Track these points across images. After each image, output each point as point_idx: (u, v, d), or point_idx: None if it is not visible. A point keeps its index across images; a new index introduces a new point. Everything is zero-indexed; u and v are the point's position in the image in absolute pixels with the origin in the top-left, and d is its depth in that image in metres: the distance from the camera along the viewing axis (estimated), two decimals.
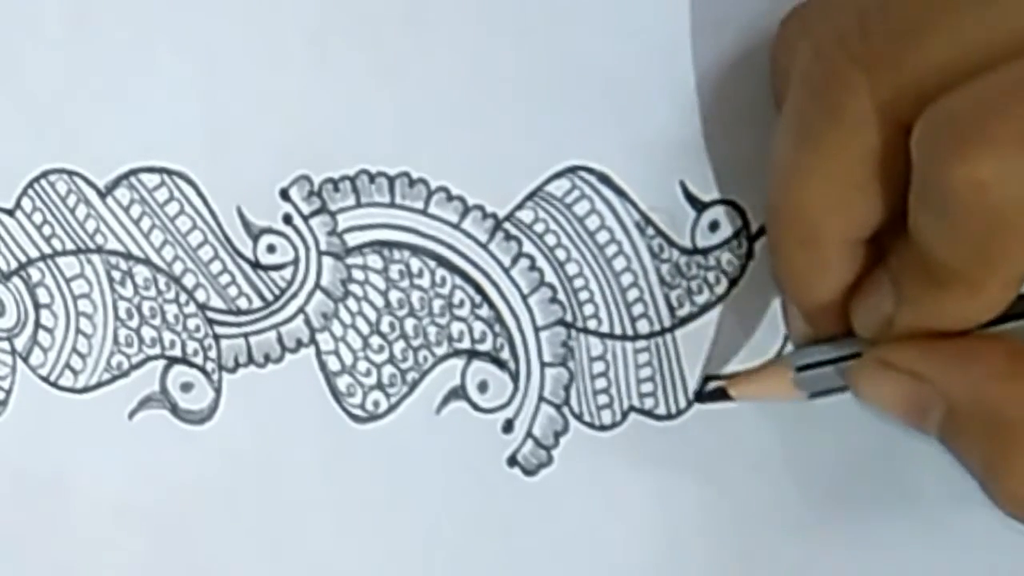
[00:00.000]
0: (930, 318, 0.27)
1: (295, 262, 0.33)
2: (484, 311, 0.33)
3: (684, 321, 0.32)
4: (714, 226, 0.32)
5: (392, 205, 0.32)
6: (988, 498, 0.27)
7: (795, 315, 0.31)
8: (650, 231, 0.32)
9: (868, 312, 0.28)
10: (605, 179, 0.32)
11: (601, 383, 0.33)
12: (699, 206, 0.32)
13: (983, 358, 0.27)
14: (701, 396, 0.32)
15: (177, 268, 0.33)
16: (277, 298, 0.33)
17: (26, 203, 0.33)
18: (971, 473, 0.28)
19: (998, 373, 0.27)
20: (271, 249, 0.33)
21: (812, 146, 0.27)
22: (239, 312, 0.33)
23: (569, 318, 0.33)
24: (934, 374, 0.27)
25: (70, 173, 0.33)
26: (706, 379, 0.32)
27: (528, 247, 0.32)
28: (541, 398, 0.33)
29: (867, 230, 0.28)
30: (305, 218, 0.32)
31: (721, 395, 0.32)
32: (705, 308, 0.32)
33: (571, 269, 0.32)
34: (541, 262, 0.32)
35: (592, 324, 0.33)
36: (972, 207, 0.24)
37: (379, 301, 0.33)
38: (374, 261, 0.33)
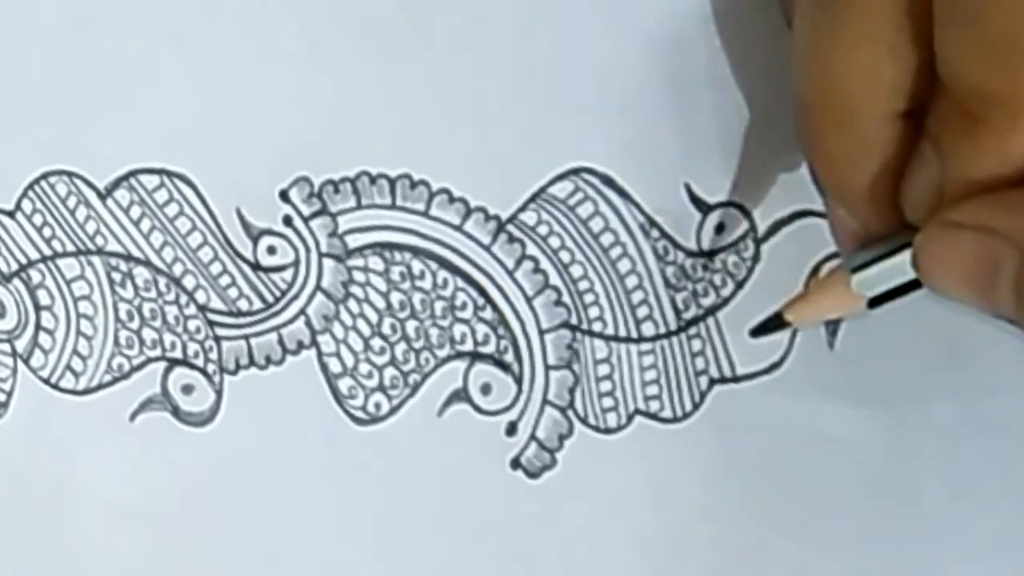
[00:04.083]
0: (977, 166, 0.25)
1: (295, 264, 0.32)
2: (487, 313, 0.32)
3: (690, 324, 0.32)
4: (720, 228, 0.32)
5: (393, 207, 0.32)
6: None
7: (842, 219, 0.29)
8: (655, 233, 0.32)
9: (916, 188, 0.27)
10: (609, 181, 0.32)
11: (606, 386, 0.33)
12: (704, 208, 0.32)
13: None
14: (757, 330, 0.31)
15: (177, 269, 0.33)
16: (278, 300, 0.33)
17: (26, 205, 0.33)
18: None
19: None
20: (271, 251, 0.32)
21: (837, 10, 0.26)
22: (240, 314, 0.33)
23: (574, 320, 0.32)
24: (1004, 222, 0.25)
25: (70, 174, 0.33)
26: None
27: (532, 249, 0.32)
28: (545, 401, 0.33)
29: (904, 98, 0.26)
30: (305, 220, 0.32)
31: (778, 323, 0.30)
32: (711, 311, 0.32)
33: (576, 271, 0.32)
34: (545, 264, 0.32)
35: (597, 327, 0.32)
36: (999, 5, 0.23)
37: (380, 303, 0.33)
38: (375, 263, 0.32)
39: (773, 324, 0.30)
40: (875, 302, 0.29)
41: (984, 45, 0.24)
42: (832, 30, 0.26)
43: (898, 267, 0.28)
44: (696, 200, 0.32)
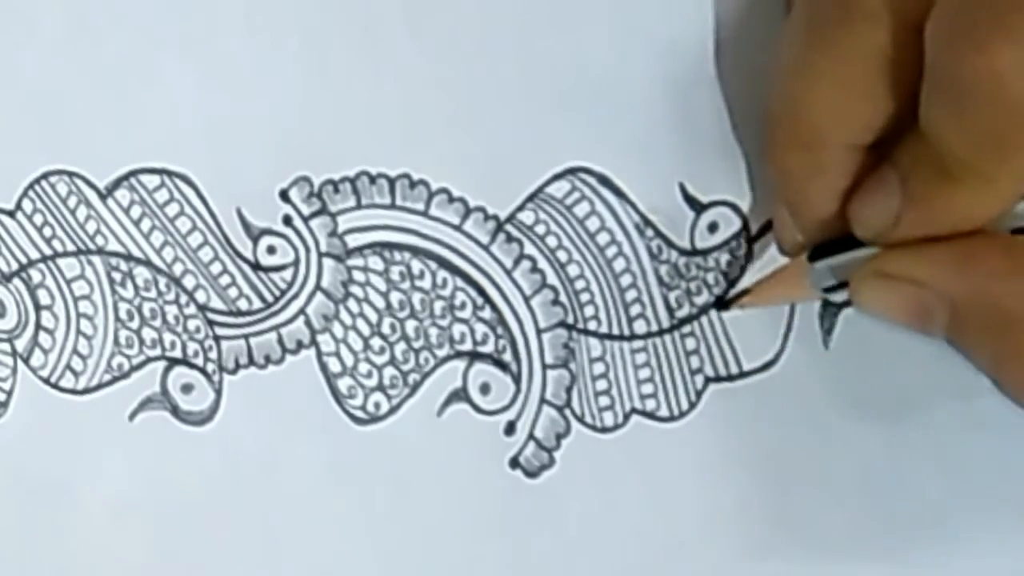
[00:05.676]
0: (939, 215, 0.27)
1: (295, 263, 0.33)
2: (486, 313, 0.33)
3: (683, 322, 0.32)
4: (713, 227, 0.32)
5: (393, 207, 0.32)
6: (1001, 392, 0.27)
7: (786, 223, 0.30)
8: (649, 232, 0.32)
9: (873, 212, 0.28)
10: (605, 180, 0.32)
11: (602, 384, 0.33)
12: (698, 207, 0.32)
13: (981, 258, 0.27)
14: (722, 303, 0.32)
15: (177, 269, 0.33)
16: (277, 299, 0.33)
17: (27, 204, 0.33)
18: (981, 370, 0.28)
19: (997, 271, 0.27)
20: (271, 250, 0.32)
21: (822, 46, 0.27)
22: (239, 313, 0.33)
23: (570, 319, 0.32)
24: (934, 279, 0.27)
25: (71, 174, 0.33)
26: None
27: (530, 249, 0.32)
28: (543, 400, 0.33)
29: (871, 135, 0.28)
30: (305, 219, 0.32)
31: (740, 296, 0.32)
32: (704, 309, 0.32)
33: (572, 271, 0.32)
34: (543, 264, 0.32)
35: (592, 325, 0.32)
36: (989, 98, 0.24)
37: (380, 303, 0.33)
38: (375, 263, 0.32)
39: (736, 297, 0.32)
40: (828, 290, 0.30)
41: (969, 127, 0.25)
42: (813, 66, 0.27)
43: (854, 262, 0.29)
44: (690, 199, 0.32)
